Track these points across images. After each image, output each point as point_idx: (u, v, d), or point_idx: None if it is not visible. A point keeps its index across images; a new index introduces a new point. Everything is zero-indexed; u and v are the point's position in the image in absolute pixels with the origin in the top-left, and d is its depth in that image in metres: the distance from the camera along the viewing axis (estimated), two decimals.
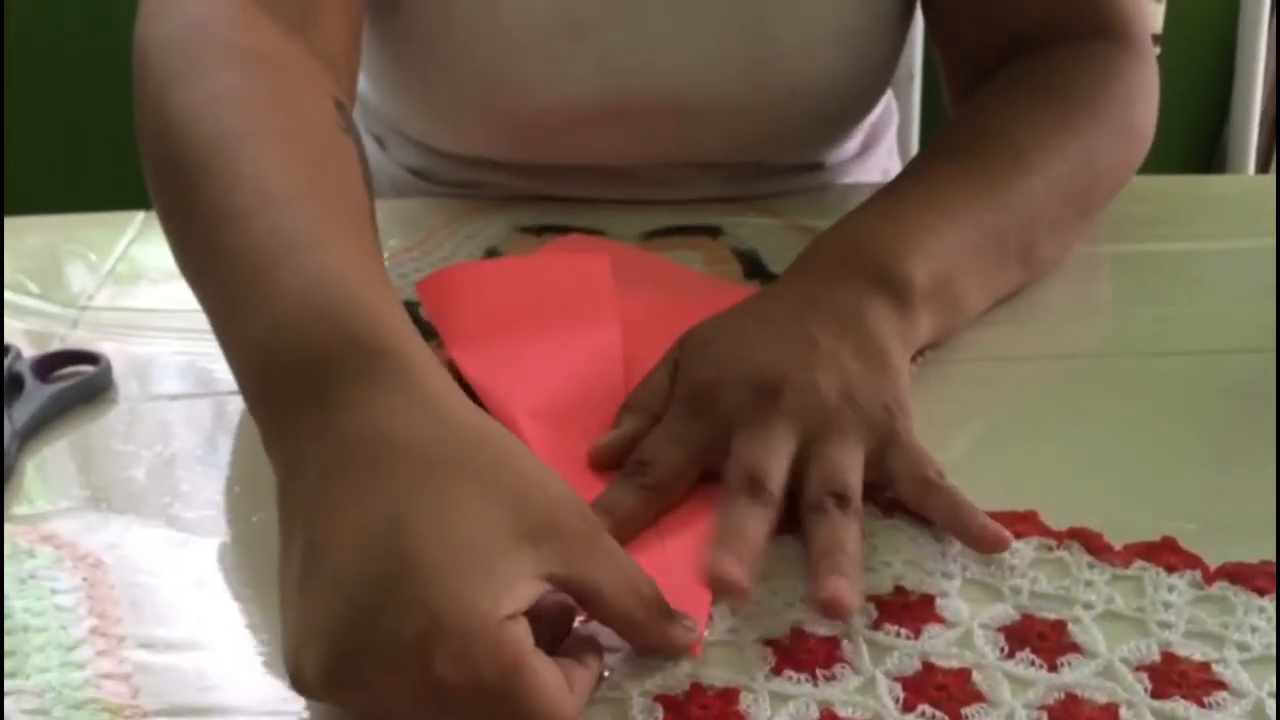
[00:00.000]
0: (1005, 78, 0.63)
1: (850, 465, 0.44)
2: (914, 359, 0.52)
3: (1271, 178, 1.23)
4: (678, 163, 0.70)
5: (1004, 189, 0.56)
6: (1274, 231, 0.64)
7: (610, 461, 0.47)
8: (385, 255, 0.64)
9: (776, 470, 0.43)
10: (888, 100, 0.83)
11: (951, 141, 0.61)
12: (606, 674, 0.38)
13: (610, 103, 0.66)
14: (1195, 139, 1.39)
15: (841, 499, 0.43)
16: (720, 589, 0.40)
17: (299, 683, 0.35)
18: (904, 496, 0.45)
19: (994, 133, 0.59)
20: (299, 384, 0.38)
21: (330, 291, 0.39)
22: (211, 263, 0.43)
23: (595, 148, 0.68)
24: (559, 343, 0.52)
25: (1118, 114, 0.61)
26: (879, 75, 0.71)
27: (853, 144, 0.77)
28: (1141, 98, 0.63)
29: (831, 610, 0.40)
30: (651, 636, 0.38)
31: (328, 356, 0.37)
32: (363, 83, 0.78)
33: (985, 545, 0.43)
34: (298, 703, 0.37)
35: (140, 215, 0.69)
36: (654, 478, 0.44)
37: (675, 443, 0.45)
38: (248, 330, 0.40)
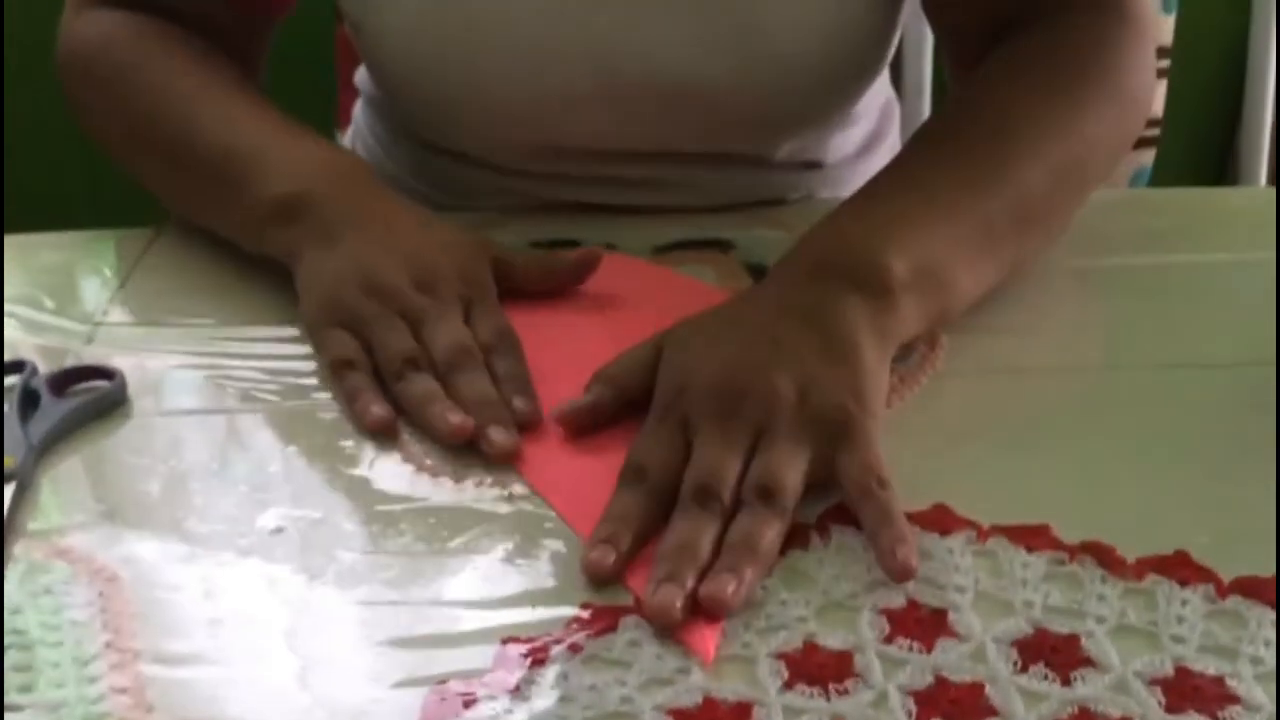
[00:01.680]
0: (997, 57, 0.62)
1: (787, 463, 0.45)
2: (928, 350, 0.52)
3: (1271, 190, 1.23)
4: (669, 150, 0.70)
5: (989, 171, 0.56)
6: None
7: (574, 427, 0.50)
8: None
9: (729, 477, 0.45)
10: (889, 101, 0.83)
11: (938, 127, 0.61)
12: (621, 688, 0.38)
13: (598, 86, 0.66)
14: (1207, 150, 1.38)
15: (767, 494, 0.44)
16: (594, 578, 0.42)
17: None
18: (846, 499, 0.45)
19: (982, 113, 0.59)
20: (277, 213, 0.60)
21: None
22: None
23: (585, 130, 0.68)
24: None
25: (1112, 83, 0.60)
26: (868, 59, 0.71)
27: (851, 142, 0.77)
28: (1137, 67, 0.62)
29: (708, 605, 0.41)
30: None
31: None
32: (363, 77, 0.79)
33: (889, 567, 0.42)
34: (311, 716, 0.38)
35: (153, 231, 0.69)
36: (654, 481, 0.45)
37: (662, 447, 0.47)
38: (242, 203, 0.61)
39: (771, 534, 0.43)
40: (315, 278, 0.58)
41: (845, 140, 0.77)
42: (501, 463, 0.49)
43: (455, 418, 0.50)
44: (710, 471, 0.45)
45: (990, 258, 0.56)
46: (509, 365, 0.54)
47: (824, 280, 0.51)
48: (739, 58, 0.66)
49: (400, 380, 0.52)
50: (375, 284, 0.56)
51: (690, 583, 0.41)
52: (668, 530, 0.44)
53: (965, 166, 0.56)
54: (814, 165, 0.75)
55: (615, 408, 0.50)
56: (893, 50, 0.73)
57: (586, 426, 0.50)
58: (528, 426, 0.51)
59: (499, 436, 0.49)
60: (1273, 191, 1.13)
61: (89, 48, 0.69)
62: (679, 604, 0.40)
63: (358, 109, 0.84)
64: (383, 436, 0.51)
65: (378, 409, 0.51)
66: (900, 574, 0.42)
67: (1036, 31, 0.62)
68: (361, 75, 0.81)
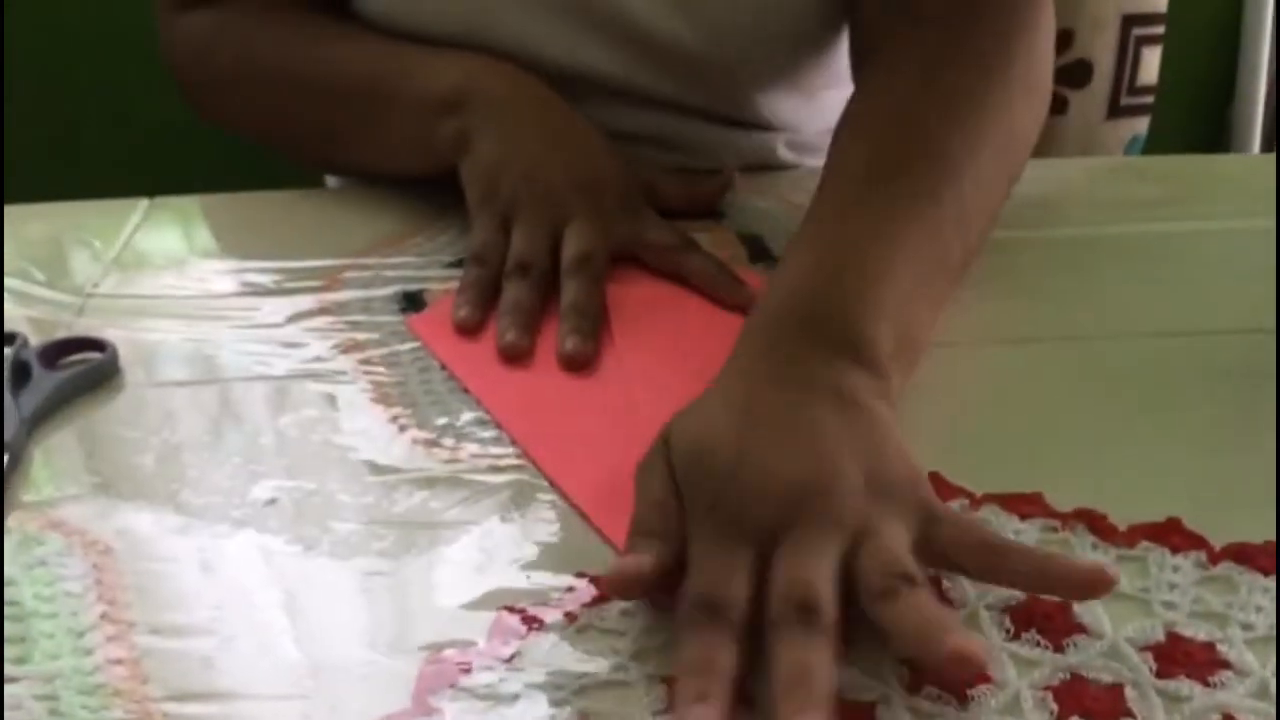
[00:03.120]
0: (906, 60, 0.60)
1: (902, 549, 0.39)
2: None
3: (1272, 157, 1.22)
4: (640, 91, 0.70)
5: (935, 198, 0.53)
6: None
7: (637, 594, 0.40)
8: (382, 246, 0.65)
9: (825, 588, 0.38)
10: None
11: (867, 144, 0.57)
12: (615, 657, 0.38)
13: (565, 21, 0.67)
14: (1200, 119, 1.38)
15: (906, 579, 0.38)
16: None
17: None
18: (969, 570, 0.40)
19: (912, 130, 0.56)
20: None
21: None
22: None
23: (557, 62, 0.68)
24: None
25: (1023, 76, 0.59)
26: (838, 19, 0.70)
27: (834, 113, 0.77)
28: (1042, 56, 0.61)
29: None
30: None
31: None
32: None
33: (1080, 587, 0.39)
34: (307, 686, 0.38)
35: (144, 202, 0.69)
36: (733, 619, 0.37)
37: (734, 571, 0.38)
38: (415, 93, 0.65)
39: (923, 604, 0.37)
40: (480, 163, 0.61)
41: (828, 112, 0.77)
42: (567, 368, 0.52)
43: (511, 335, 0.54)
44: (805, 587, 0.37)
45: (947, 291, 0.54)
46: (586, 288, 0.56)
47: (819, 349, 0.46)
48: (702, 12, 0.66)
49: (508, 280, 0.56)
50: (534, 177, 0.59)
51: (819, 702, 0.35)
52: (772, 660, 0.36)
53: (911, 195, 0.53)
54: (791, 131, 0.75)
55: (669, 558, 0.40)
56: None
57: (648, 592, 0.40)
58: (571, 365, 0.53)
59: (569, 344, 0.53)
60: (1268, 159, 1.12)
61: (199, 43, 0.73)
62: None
63: None
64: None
65: (465, 311, 0.55)
66: (1094, 585, 0.38)
67: (941, 29, 0.60)
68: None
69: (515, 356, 0.53)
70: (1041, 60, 0.61)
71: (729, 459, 0.41)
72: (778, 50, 0.71)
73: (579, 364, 0.52)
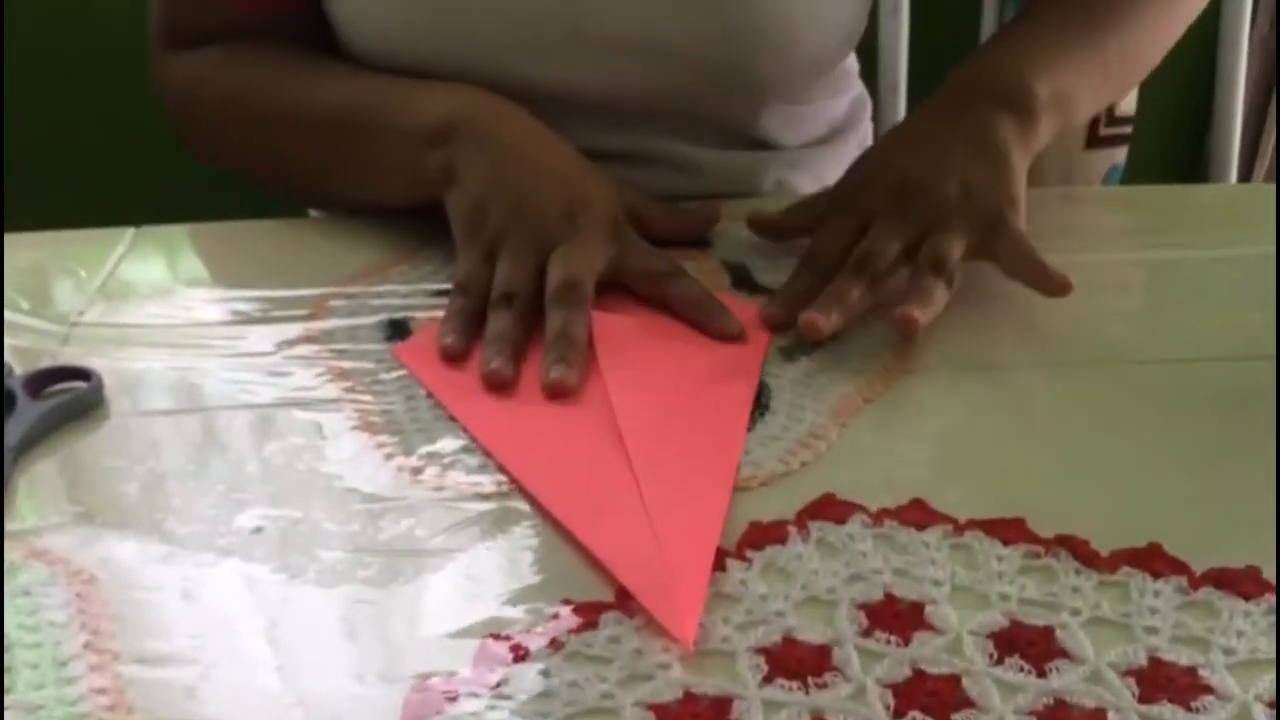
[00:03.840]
0: None
1: (952, 247, 0.57)
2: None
3: (1255, 186, 1.24)
4: (648, 107, 0.71)
5: (1104, 23, 0.67)
6: (1259, 240, 0.65)
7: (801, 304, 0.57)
8: (378, 272, 0.65)
9: (890, 254, 0.57)
10: (859, 96, 0.83)
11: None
12: (602, 684, 0.38)
13: (566, 40, 0.68)
14: (1178, 148, 1.40)
15: (938, 267, 0.56)
16: (806, 331, 0.55)
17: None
18: (1005, 268, 0.58)
19: None
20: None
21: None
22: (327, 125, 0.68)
23: (558, 86, 0.69)
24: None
25: None
26: (846, 28, 0.72)
27: (820, 128, 0.79)
28: None
29: (902, 323, 0.55)
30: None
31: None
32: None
33: (1052, 289, 0.57)
34: (291, 716, 0.38)
35: (130, 232, 0.69)
36: (824, 266, 0.58)
37: (835, 236, 0.59)
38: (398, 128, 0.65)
39: (939, 291, 0.56)
40: (466, 195, 0.61)
41: (813, 124, 0.78)
42: (552, 396, 0.53)
43: (495, 363, 0.54)
44: (874, 249, 0.57)
45: (1104, 88, 0.68)
46: (573, 318, 0.56)
47: (978, 100, 0.62)
48: (713, 11, 0.67)
49: (494, 310, 0.57)
50: (521, 207, 0.60)
51: (835, 316, 0.55)
52: (786, 281, 0.58)
53: (1085, 18, 0.67)
54: (783, 148, 0.76)
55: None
56: (865, 21, 0.74)
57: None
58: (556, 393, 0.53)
59: (554, 373, 0.53)
60: (1247, 188, 1.14)
61: (189, 83, 0.73)
62: (825, 319, 0.55)
63: None
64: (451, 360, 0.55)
65: (450, 339, 0.56)
66: (1061, 288, 0.56)
67: None
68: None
69: (499, 385, 0.53)
70: None
71: (872, 160, 0.63)
72: (791, 57, 0.71)
73: (563, 392, 0.53)
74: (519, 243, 0.59)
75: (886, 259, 0.57)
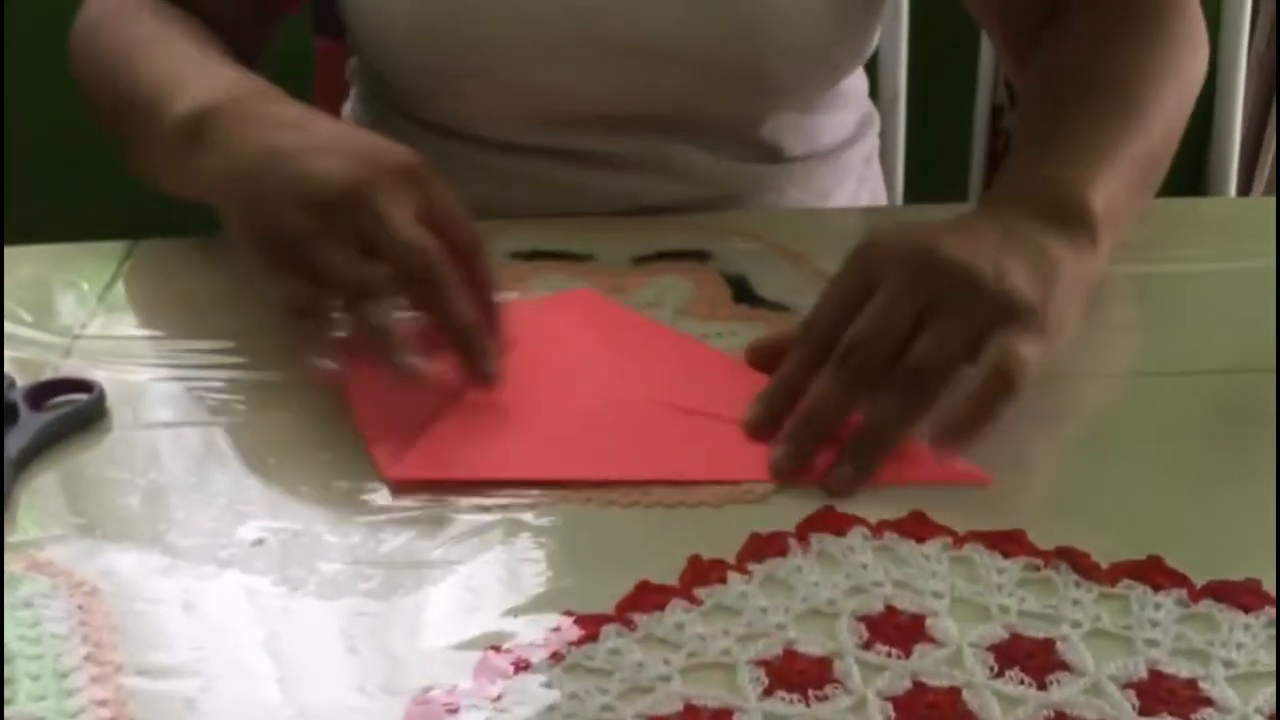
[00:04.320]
0: (1085, 23, 0.66)
1: (951, 341, 0.48)
2: None
3: (1254, 200, 1.24)
4: (654, 113, 0.71)
5: (1126, 119, 0.59)
6: (1259, 253, 0.65)
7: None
8: None
9: (878, 342, 0.48)
10: (867, 113, 0.84)
11: (1058, 80, 0.63)
12: (602, 696, 0.38)
13: (581, 43, 0.68)
14: (1177, 162, 1.40)
15: (919, 378, 0.48)
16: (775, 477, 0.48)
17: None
18: (981, 370, 0.48)
19: (1097, 70, 0.63)
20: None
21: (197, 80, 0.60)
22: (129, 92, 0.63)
23: (570, 89, 0.69)
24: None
25: (1186, 31, 0.65)
26: (854, 24, 0.72)
27: (823, 139, 0.79)
28: (1192, 17, 0.67)
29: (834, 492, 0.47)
30: None
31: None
32: (354, 68, 0.80)
33: (934, 438, 0.47)
34: None
35: (132, 244, 0.69)
36: (816, 340, 0.51)
37: (835, 306, 0.51)
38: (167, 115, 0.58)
39: (909, 420, 0.47)
40: (240, 203, 0.53)
41: (818, 135, 0.78)
42: (491, 387, 0.51)
43: (421, 364, 0.50)
44: (862, 337, 0.48)
45: (1141, 197, 0.60)
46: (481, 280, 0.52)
47: (1029, 213, 0.53)
48: (722, 24, 0.67)
49: (356, 314, 0.50)
50: (310, 195, 0.51)
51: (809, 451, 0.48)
52: (810, 389, 0.49)
53: (1107, 114, 0.60)
54: (787, 159, 0.76)
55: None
56: (877, 32, 0.75)
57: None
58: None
59: (486, 367, 0.51)
60: (1248, 201, 1.14)
61: (86, 24, 0.70)
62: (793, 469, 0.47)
63: (346, 108, 0.85)
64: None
65: (322, 362, 0.51)
66: (941, 446, 0.47)
67: (1097, 2, 0.66)
68: (353, 66, 0.82)
69: (416, 376, 0.50)
70: (1194, 23, 0.66)
71: (890, 234, 0.52)
72: (798, 57, 0.71)
73: (497, 380, 0.51)
74: (326, 241, 0.51)
75: (873, 349, 0.48)
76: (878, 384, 0.48)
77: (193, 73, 0.60)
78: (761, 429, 0.49)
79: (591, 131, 0.71)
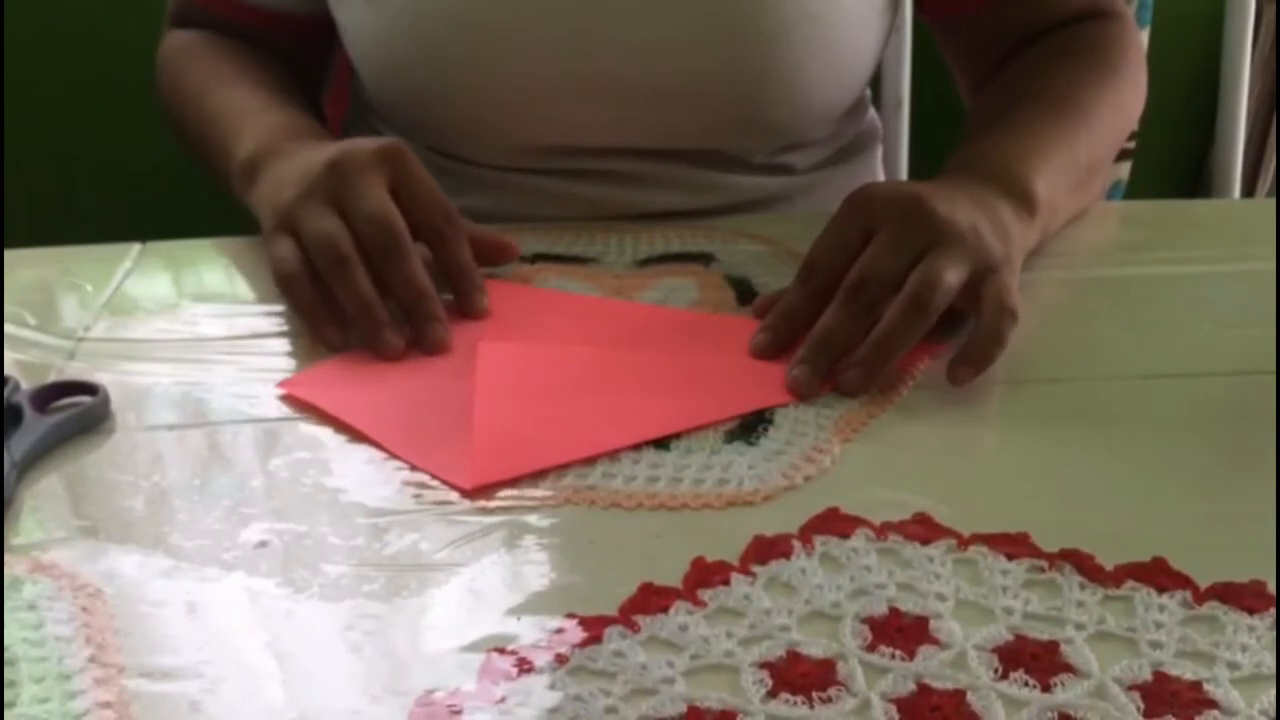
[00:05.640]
0: (1038, 53, 0.73)
1: (946, 272, 0.54)
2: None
3: (1257, 202, 1.24)
4: (649, 147, 0.71)
5: (1070, 128, 0.67)
6: (1262, 255, 0.65)
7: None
8: None
9: (883, 276, 0.55)
10: (870, 116, 0.84)
11: (1011, 96, 0.70)
12: (606, 698, 0.38)
13: (579, 80, 0.68)
14: (1180, 163, 1.40)
15: (924, 296, 0.53)
16: (794, 393, 0.54)
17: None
18: (979, 313, 0.55)
19: (1048, 89, 0.70)
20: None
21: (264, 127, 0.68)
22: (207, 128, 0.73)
23: (570, 125, 0.70)
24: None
25: (1130, 73, 0.73)
26: (854, 65, 0.73)
27: (828, 152, 0.79)
28: (1138, 60, 0.75)
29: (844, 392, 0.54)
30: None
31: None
32: (357, 87, 0.81)
33: (964, 374, 0.54)
34: None
35: (136, 247, 0.69)
36: (820, 281, 0.57)
37: (835, 250, 0.58)
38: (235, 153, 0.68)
39: (914, 329, 0.53)
40: (261, 207, 0.63)
41: (825, 150, 0.78)
42: (435, 353, 0.57)
43: (393, 339, 0.56)
44: (867, 274, 0.55)
45: (1077, 196, 0.68)
46: (456, 253, 0.59)
47: (986, 186, 0.61)
48: (721, 59, 0.67)
49: (336, 283, 0.57)
50: (301, 171, 0.60)
51: (816, 384, 0.54)
52: (823, 318, 0.55)
53: (1052, 122, 0.67)
54: (786, 169, 0.76)
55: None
56: (878, 59, 0.75)
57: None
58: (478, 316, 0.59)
59: (434, 332, 0.57)
60: (1249, 203, 1.14)
61: (166, 56, 0.81)
62: (809, 384, 0.54)
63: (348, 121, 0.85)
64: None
65: (333, 331, 0.57)
66: (963, 380, 0.53)
67: (1066, 37, 0.74)
68: (356, 86, 0.82)
69: (396, 354, 0.56)
70: (1138, 62, 0.74)
71: (878, 185, 0.62)
72: (801, 104, 0.71)
73: (444, 348, 0.57)
74: (305, 203, 0.59)
75: (880, 283, 0.55)
76: (883, 312, 0.55)
77: (249, 124, 0.69)
78: (769, 352, 0.56)
79: (591, 158, 0.71)
